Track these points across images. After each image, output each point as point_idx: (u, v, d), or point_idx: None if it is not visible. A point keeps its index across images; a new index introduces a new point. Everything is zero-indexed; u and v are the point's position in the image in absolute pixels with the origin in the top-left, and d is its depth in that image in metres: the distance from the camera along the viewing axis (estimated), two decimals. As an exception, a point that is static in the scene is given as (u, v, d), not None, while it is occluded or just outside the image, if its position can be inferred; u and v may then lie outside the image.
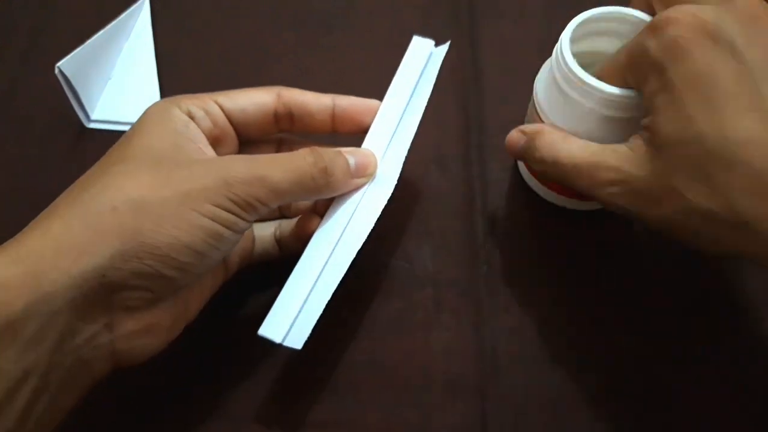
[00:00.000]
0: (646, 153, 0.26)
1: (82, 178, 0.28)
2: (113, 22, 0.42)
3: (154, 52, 0.43)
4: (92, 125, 0.40)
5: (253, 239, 0.32)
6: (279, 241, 0.33)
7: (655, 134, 0.26)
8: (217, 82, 0.42)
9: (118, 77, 0.42)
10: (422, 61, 0.34)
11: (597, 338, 0.32)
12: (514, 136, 0.32)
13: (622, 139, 0.29)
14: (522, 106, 0.35)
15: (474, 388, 0.31)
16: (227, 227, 0.26)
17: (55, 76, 0.37)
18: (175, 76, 0.42)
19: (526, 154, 0.31)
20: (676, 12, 0.25)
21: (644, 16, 0.30)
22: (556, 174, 0.30)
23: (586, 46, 0.31)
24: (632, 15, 0.30)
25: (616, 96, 0.28)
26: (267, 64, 0.43)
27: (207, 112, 0.30)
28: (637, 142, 0.27)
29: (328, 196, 0.30)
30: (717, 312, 0.33)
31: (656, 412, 0.31)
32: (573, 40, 0.30)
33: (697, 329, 0.32)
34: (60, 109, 0.40)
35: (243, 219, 0.27)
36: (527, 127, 0.32)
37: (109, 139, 0.40)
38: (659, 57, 0.25)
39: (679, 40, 0.24)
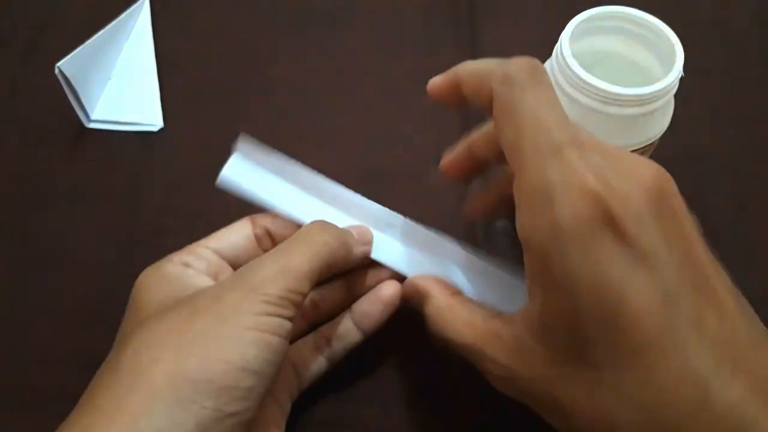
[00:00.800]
0: (528, 347, 0.23)
1: (108, 363, 0.25)
2: (113, 22, 0.42)
3: (154, 52, 0.43)
4: (92, 125, 0.40)
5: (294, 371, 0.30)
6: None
7: (545, 334, 0.22)
8: (217, 82, 0.42)
9: (118, 77, 0.42)
10: None
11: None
12: (407, 286, 0.29)
13: (623, 137, 0.29)
14: (522, 106, 0.35)
15: (473, 388, 0.31)
16: (274, 333, 0.24)
17: (55, 76, 0.37)
18: (176, 76, 0.42)
19: (418, 308, 0.28)
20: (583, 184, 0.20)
21: (644, 15, 0.30)
22: (451, 349, 0.26)
23: (585, 45, 0.31)
24: (633, 14, 0.30)
25: (617, 94, 0.28)
26: (267, 64, 0.43)
27: (199, 256, 0.28)
28: (520, 328, 0.23)
29: (348, 265, 0.29)
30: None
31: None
32: (573, 39, 0.30)
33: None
34: (60, 109, 0.40)
35: (285, 317, 0.25)
36: (419, 281, 0.29)
37: (109, 139, 0.40)
38: (565, 231, 0.20)
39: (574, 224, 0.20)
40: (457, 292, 0.28)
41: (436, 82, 0.27)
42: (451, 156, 0.29)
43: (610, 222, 0.20)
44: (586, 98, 0.29)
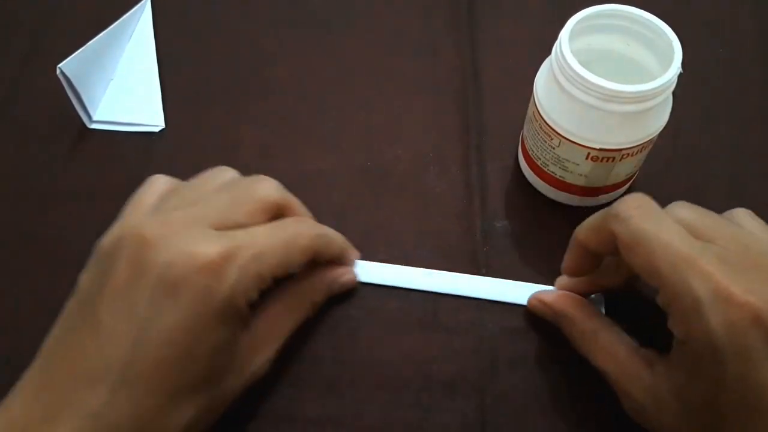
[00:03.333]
0: (667, 403, 0.25)
1: None
2: (115, 24, 0.42)
3: (156, 53, 0.43)
4: (94, 126, 0.41)
5: None
6: None
7: (686, 408, 0.25)
8: (217, 82, 0.42)
9: (119, 78, 0.43)
10: None
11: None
12: (537, 306, 0.32)
13: (623, 134, 0.29)
14: (521, 106, 0.35)
15: (473, 387, 0.31)
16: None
17: (56, 77, 0.37)
18: (177, 76, 0.43)
19: (560, 325, 0.31)
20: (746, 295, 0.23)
21: (643, 13, 0.30)
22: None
23: (584, 43, 0.31)
24: (631, 12, 0.30)
25: (616, 91, 0.28)
26: (267, 64, 0.43)
27: None
28: (661, 382, 0.26)
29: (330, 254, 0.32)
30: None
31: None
32: (572, 38, 0.30)
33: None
34: (62, 110, 0.40)
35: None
36: (549, 299, 0.32)
37: (110, 139, 0.40)
38: (720, 338, 0.23)
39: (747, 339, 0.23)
40: (596, 313, 0.30)
41: (569, 265, 0.30)
42: (570, 258, 0.30)
43: (760, 328, 0.22)
44: (585, 95, 0.29)
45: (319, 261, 0.31)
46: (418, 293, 0.34)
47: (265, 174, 0.38)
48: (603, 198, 0.35)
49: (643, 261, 0.25)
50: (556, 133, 0.31)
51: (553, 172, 0.34)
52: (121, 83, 0.42)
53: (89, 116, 0.40)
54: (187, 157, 0.39)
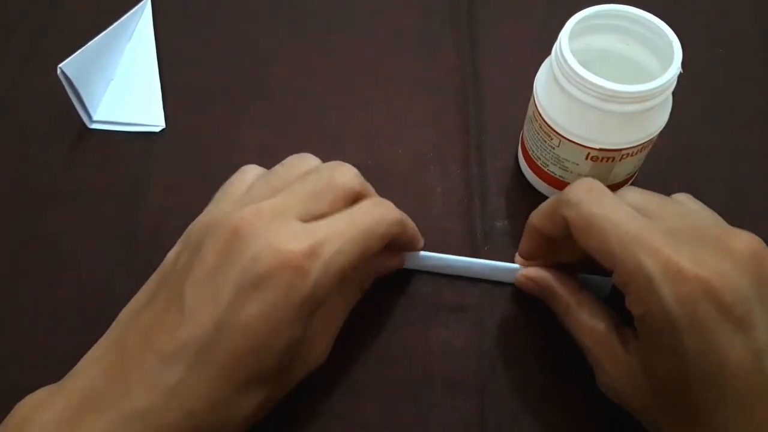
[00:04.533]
0: (637, 382, 0.26)
1: None
2: (115, 24, 0.42)
3: (156, 53, 0.43)
4: (94, 126, 0.41)
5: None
6: None
7: (653, 383, 0.26)
8: (218, 82, 0.42)
9: (120, 78, 0.43)
10: None
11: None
12: (524, 283, 0.33)
13: (622, 134, 0.29)
14: (522, 106, 0.35)
15: (473, 385, 0.31)
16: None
17: (57, 77, 0.37)
18: (177, 76, 0.43)
19: (545, 300, 0.32)
20: (697, 269, 0.24)
21: (643, 13, 0.30)
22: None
23: (584, 43, 0.31)
24: (631, 12, 0.30)
25: (615, 91, 0.28)
26: (268, 64, 0.43)
27: None
28: (631, 360, 0.27)
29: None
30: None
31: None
32: (572, 38, 0.30)
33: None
34: (62, 110, 0.40)
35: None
36: (533, 274, 0.32)
37: (110, 139, 0.40)
38: (674, 312, 0.24)
39: (698, 311, 0.23)
40: (580, 288, 0.31)
41: (525, 250, 0.31)
42: (526, 242, 0.31)
43: (711, 298, 0.23)
44: (585, 95, 0.29)
45: (391, 246, 0.31)
46: (419, 292, 0.34)
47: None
48: None
49: (595, 243, 0.26)
50: (556, 133, 0.31)
51: (552, 172, 0.34)
52: (122, 83, 0.42)
53: (89, 116, 0.40)
54: (187, 157, 0.39)
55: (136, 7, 0.44)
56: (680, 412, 0.25)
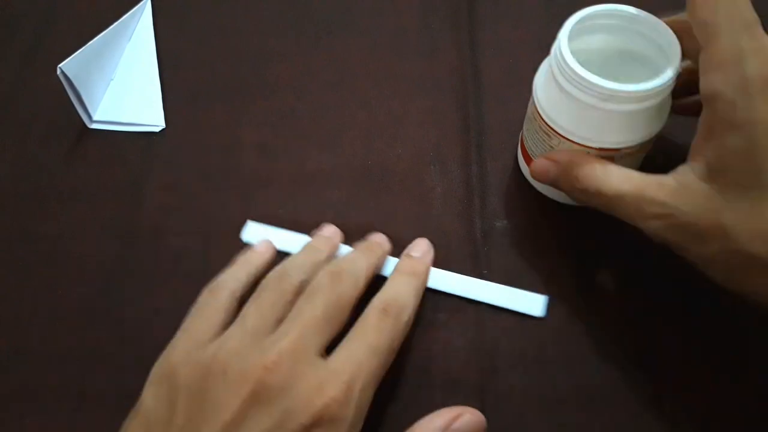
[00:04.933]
0: (694, 188, 0.27)
1: None
2: (115, 24, 0.42)
3: (156, 53, 0.43)
4: (94, 126, 0.41)
5: None
6: None
7: (717, 174, 0.26)
8: (217, 82, 0.42)
9: (120, 78, 0.43)
10: None
11: (597, 337, 0.32)
12: (543, 164, 0.32)
13: (622, 133, 0.29)
14: (521, 106, 0.35)
15: (473, 387, 0.31)
16: None
17: (57, 77, 0.37)
18: (177, 76, 0.43)
19: (562, 183, 0.32)
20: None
21: (642, 12, 0.30)
22: (597, 203, 0.30)
23: (584, 43, 0.31)
24: (631, 12, 0.30)
25: (615, 91, 0.28)
26: (268, 64, 0.43)
27: None
28: (685, 175, 0.27)
29: None
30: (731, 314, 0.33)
31: (657, 412, 0.31)
32: (571, 38, 0.30)
33: (704, 329, 0.32)
34: (62, 110, 0.40)
35: None
36: (556, 155, 0.32)
37: (110, 139, 0.40)
38: (755, 85, 0.25)
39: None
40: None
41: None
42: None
43: None
44: (584, 95, 0.29)
45: None
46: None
47: (265, 173, 0.38)
48: None
49: (705, 14, 0.26)
50: (555, 132, 0.31)
51: None
52: (122, 83, 0.42)
53: (89, 116, 0.40)
54: (187, 157, 0.39)
55: (136, 7, 0.44)
56: (744, 194, 0.25)
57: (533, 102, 0.33)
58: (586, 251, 0.35)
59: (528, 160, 0.36)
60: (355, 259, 0.31)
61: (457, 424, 0.26)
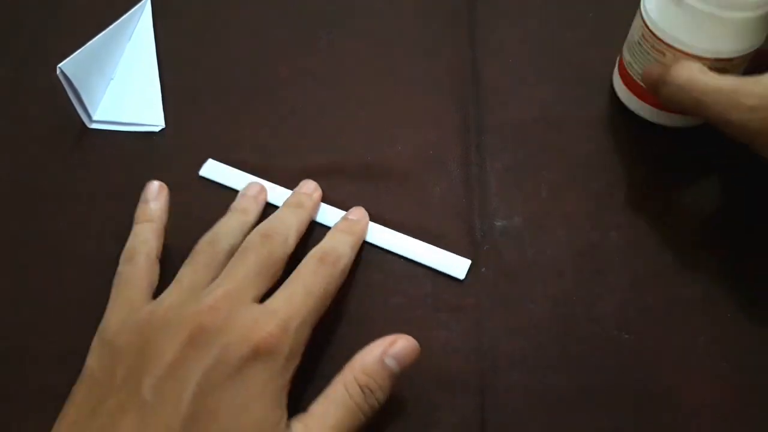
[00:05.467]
0: None
1: None
2: (115, 23, 0.42)
3: (156, 53, 0.43)
4: (94, 126, 0.41)
5: None
6: None
7: None
8: (217, 82, 0.43)
9: (119, 78, 0.43)
10: None
11: (596, 337, 0.32)
12: (653, 66, 0.34)
13: (736, 41, 0.31)
14: (521, 106, 0.35)
15: (473, 387, 0.31)
16: None
17: (56, 77, 0.37)
18: (177, 76, 0.43)
19: (664, 83, 0.32)
20: None
21: None
22: (693, 99, 0.31)
23: None
24: None
25: None
26: (267, 64, 0.43)
27: None
28: None
29: None
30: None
31: (657, 412, 0.31)
32: None
33: (704, 329, 0.32)
34: (62, 110, 0.40)
35: None
36: (656, 67, 0.33)
37: (110, 139, 0.40)
38: None
39: None
40: None
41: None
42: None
43: None
44: (703, 4, 0.30)
45: None
46: (419, 292, 0.34)
47: (265, 173, 0.38)
48: None
49: None
50: (670, 47, 0.32)
51: None
52: (121, 83, 0.42)
53: (89, 116, 0.40)
54: (187, 157, 0.39)
55: (136, 7, 0.44)
56: None
57: (642, 23, 0.34)
58: (583, 252, 0.35)
59: (635, 87, 0.37)
60: (284, 218, 0.33)
61: (392, 350, 0.28)
